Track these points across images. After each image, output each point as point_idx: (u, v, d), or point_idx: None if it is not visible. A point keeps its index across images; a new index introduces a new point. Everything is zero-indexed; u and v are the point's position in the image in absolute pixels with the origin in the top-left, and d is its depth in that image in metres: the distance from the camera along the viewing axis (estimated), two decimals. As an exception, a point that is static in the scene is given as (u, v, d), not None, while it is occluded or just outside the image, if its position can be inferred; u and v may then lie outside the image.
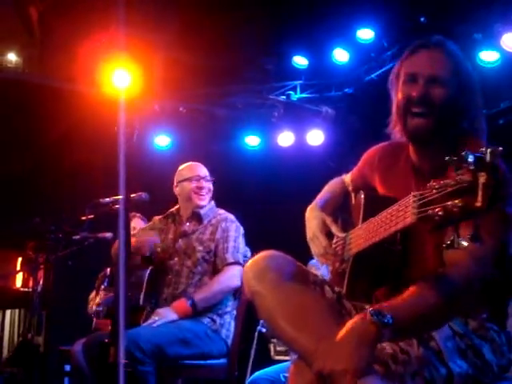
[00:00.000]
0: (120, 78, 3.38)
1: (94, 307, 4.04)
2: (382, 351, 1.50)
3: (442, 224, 1.25)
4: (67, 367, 4.31)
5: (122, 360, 1.69)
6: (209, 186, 3.45)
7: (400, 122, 1.77)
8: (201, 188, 3.40)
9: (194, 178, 3.42)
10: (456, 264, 1.52)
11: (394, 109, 1.81)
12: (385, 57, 4.91)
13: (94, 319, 4.35)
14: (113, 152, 1.98)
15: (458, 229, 1.27)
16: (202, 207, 3.41)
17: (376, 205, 1.70)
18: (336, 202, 2.06)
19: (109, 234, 3.73)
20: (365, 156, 2.03)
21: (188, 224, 3.43)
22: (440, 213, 1.23)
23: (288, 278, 1.67)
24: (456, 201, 1.19)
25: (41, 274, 3.93)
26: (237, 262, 3.22)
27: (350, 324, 1.45)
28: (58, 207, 5.09)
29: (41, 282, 3.90)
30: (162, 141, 6.03)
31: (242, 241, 3.32)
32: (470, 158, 1.16)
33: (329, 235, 1.93)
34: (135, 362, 2.79)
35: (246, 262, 3.24)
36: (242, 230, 3.38)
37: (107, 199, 3.43)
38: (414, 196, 1.35)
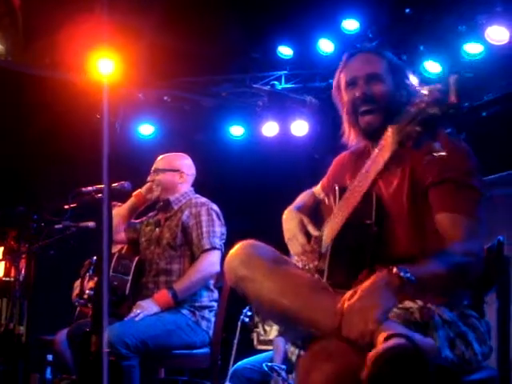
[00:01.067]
0: (103, 65, 3.34)
1: (87, 291, 4.02)
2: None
3: (422, 137, 1.42)
4: (49, 357, 4.31)
5: (105, 349, 1.69)
6: (154, 177, 3.45)
7: (353, 126, 1.91)
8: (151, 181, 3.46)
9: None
10: (452, 245, 1.63)
11: (344, 118, 1.95)
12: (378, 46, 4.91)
13: (78, 307, 4.33)
14: (95, 140, 1.97)
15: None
16: (152, 200, 3.45)
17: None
18: (309, 209, 2.10)
19: (91, 223, 3.71)
20: (334, 162, 2.13)
21: (160, 214, 3.47)
22: (417, 128, 1.41)
23: (275, 263, 1.68)
24: (429, 109, 1.40)
25: (23, 263, 3.90)
26: (214, 248, 3.22)
27: (376, 275, 1.51)
28: (39, 196, 5.05)
29: (23, 272, 3.87)
30: (146, 129, 5.99)
31: (217, 223, 3.30)
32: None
33: (307, 236, 1.95)
34: (120, 358, 2.80)
35: (222, 247, 3.29)
36: (215, 210, 3.35)
37: (89, 188, 3.41)
38: (391, 127, 1.51)
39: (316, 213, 2.07)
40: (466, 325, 1.70)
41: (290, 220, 2.00)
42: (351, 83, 1.90)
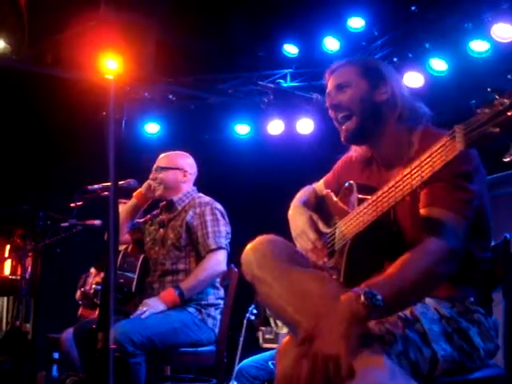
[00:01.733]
0: (109, 63, 3.35)
1: (94, 286, 4.02)
2: (369, 332, 1.52)
3: (497, 139, 1.35)
4: (55, 354, 4.32)
5: (111, 346, 1.69)
6: (155, 175, 3.42)
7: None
8: (153, 179, 3.43)
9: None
10: (430, 240, 1.60)
11: None
12: (375, 46, 4.90)
13: (81, 307, 4.35)
14: (101, 138, 1.97)
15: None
16: (156, 197, 3.44)
17: (368, 191, 1.75)
18: (313, 205, 2.09)
19: (97, 222, 3.72)
20: (341, 161, 2.13)
21: (163, 214, 3.45)
22: (495, 130, 1.33)
23: (291, 263, 1.67)
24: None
25: (29, 261, 3.92)
26: (220, 247, 3.21)
27: (343, 302, 1.49)
28: (45, 194, 5.07)
29: (29, 270, 3.88)
30: (152, 128, 6.00)
31: (221, 222, 3.29)
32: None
33: (317, 232, 1.93)
34: (127, 355, 2.80)
35: (228, 240, 3.28)
36: (219, 209, 3.33)
37: (96, 186, 3.42)
38: (459, 128, 1.41)
39: (319, 208, 2.06)
40: (469, 321, 1.70)
41: (298, 216, 1.99)
42: (327, 98, 1.95)
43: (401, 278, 1.53)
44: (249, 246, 1.76)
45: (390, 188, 1.63)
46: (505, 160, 1.38)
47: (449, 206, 1.63)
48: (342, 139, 1.93)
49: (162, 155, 3.51)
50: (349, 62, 1.97)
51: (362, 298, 1.46)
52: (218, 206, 3.35)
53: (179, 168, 3.44)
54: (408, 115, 1.86)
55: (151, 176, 3.43)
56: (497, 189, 4.14)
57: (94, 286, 3.98)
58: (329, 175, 2.16)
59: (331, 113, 1.93)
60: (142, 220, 3.56)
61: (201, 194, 3.46)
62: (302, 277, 1.63)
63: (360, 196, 1.80)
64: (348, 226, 1.78)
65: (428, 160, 1.52)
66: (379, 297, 1.46)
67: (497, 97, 1.35)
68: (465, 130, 1.39)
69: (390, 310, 1.53)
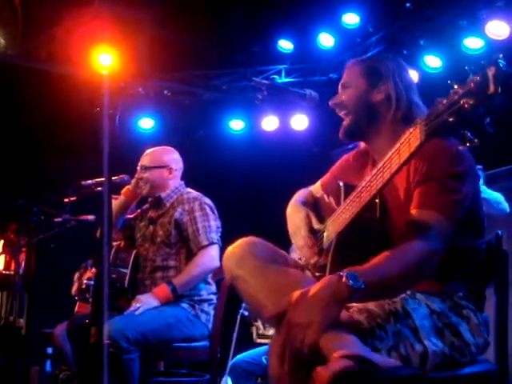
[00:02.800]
0: (103, 58, 3.34)
1: (85, 281, 4.03)
2: (359, 326, 1.53)
3: (454, 128, 1.39)
4: (49, 350, 4.32)
5: (105, 340, 1.70)
6: (141, 174, 3.38)
7: None
8: (139, 178, 3.38)
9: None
10: (414, 242, 1.62)
11: None
12: (370, 42, 4.91)
13: (77, 304, 4.35)
14: (95, 134, 1.97)
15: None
16: (143, 196, 3.41)
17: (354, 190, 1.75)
18: (310, 206, 2.10)
19: (91, 217, 3.72)
20: (338, 163, 2.15)
21: (151, 211, 3.42)
22: (450, 119, 1.37)
23: (269, 262, 1.70)
24: (465, 99, 1.35)
25: (23, 256, 3.92)
26: (212, 243, 3.21)
27: (324, 281, 1.51)
28: (39, 189, 5.06)
29: (23, 265, 3.88)
30: (146, 123, 5.99)
31: (211, 217, 3.27)
32: (470, 70, 1.38)
33: (310, 230, 1.95)
34: (121, 351, 2.80)
35: (219, 234, 3.28)
36: (208, 203, 3.31)
37: (89, 181, 3.41)
38: (420, 119, 1.46)
39: (316, 209, 2.07)
40: (459, 315, 1.71)
41: (295, 213, 2.01)
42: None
43: (383, 268, 1.56)
44: (229, 248, 1.79)
45: (367, 183, 1.67)
46: (460, 148, 1.43)
47: (437, 208, 1.64)
48: (340, 135, 1.97)
49: (145, 153, 3.46)
50: (356, 62, 2.01)
51: (344, 278, 1.48)
52: (207, 200, 3.33)
53: (164, 166, 3.39)
54: (404, 115, 1.87)
55: (136, 175, 3.37)
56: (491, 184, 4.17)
57: (85, 281, 3.99)
58: (326, 176, 2.17)
59: (337, 110, 1.99)
60: (132, 216, 3.55)
61: (189, 189, 3.43)
62: (279, 274, 1.66)
63: (346, 194, 1.82)
64: (334, 224, 1.81)
65: (396, 152, 1.56)
66: (361, 280, 1.49)
67: (455, 86, 1.39)
68: (425, 120, 1.43)
69: (369, 296, 1.55)
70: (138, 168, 3.41)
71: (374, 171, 1.64)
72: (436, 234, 1.62)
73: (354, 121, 1.92)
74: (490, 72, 1.32)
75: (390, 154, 1.58)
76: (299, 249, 1.93)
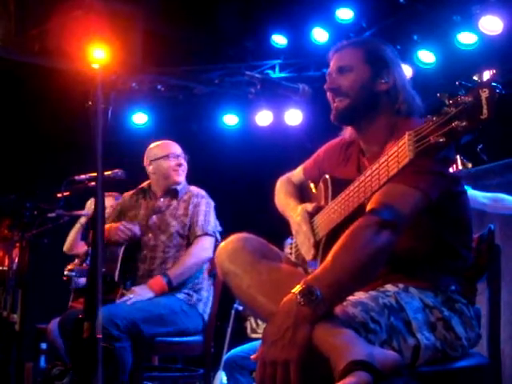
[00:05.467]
0: (96, 52, 3.33)
1: (66, 272, 4.01)
2: (353, 319, 1.52)
3: (442, 148, 1.33)
4: (43, 345, 4.31)
5: (99, 335, 1.70)
6: (185, 163, 3.48)
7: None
8: (180, 165, 3.43)
9: (172, 156, 3.43)
10: (362, 219, 1.57)
11: None
12: (363, 37, 4.91)
13: (70, 304, 4.34)
14: (88, 128, 1.96)
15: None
16: (179, 183, 3.43)
17: (342, 186, 1.73)
18: (296, 197, 2.09)
19: (84, 212, 3.71)
20: (323, 148, 2.11)
21: (162, 200, 3.42)
22: (441, 139, 1.31)
23: (261, 257, 1.69)
24: (458, 121, 1.28)
25: (16, 251, 3.90)
26: (206, 233, 3.25)
27: (284, 308, 1.47)
28: (32, 184, 5.04)
29: (16, 260, 3.87)
30: (139, 118, 5.98)
31: (212, 215, 3.36)
32: (462, 86, 1.31)
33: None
34: (111, 339, 2.79)
35: (217, 234, 3.30)
36: (212, 204, 3.40)
37: (82, 176, 3.41)
38: (409, 135, 1.38)
39: (301, 199, 2.06)
40: (452, 310, 1.71)
41: (291, 211, 1.96)
42: (327, 77, 1.94)
43: (335, 266, 1.51)
44: (221, 245, 1.78)
45: (355, 187, 1.61)
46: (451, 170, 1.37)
47: (404, 181, 1.57)
48: (332, 118, 1.92)
49: (168, 142, 3.52)
50: (354, 44, 1.94)
51: (299, 297, 1.45)
52: (211, 201, 3.42)
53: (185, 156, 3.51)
54: (406, 108, 1.85)
55: (178, 162, 3.42)
56: (483, 180, 4.18)
57: (66, 273, 3.97)
58: (308, 162, 2.15)
59: (329, 95, 1.92)
60: (117, 204, 3.56)
61: (191, 186, 3.50)
62: (271, 269, 1.65)
63: (334, 189, 1.81)
64: (323, 222, 1.79)
65: (385, 164, 1.49)
66: (317, 291, 1.45)
67: (446, 102, 1.32)
68: (415, 137, 1.36)
69: (336, 298, 1.51)
70: (179, 156, 3.44)
71: (362, 178, 1.58)
72: (394, 204, 1.56)
73: (352, 105, 1.86)
74: (484, 94, 1.26)
75: (379, 163, 1.51)
76: (300, 245, 1.91)
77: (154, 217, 3.37)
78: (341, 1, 4.78)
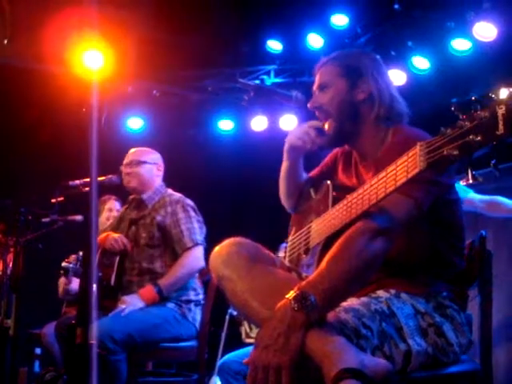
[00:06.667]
0: (92, 58, 3.33)
1: (63, 264, 4.00)
2: (345, 325, 1.53)
3: (454, 162, 1.32)
4: (38, 350, 4.31)
5: (93, 341, 1.70)
6: (133, 169, 3.40)
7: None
8: (127, 174, 3.41)
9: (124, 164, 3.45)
10: (357, 224, 1.58)
11: None
12: (358, 43, 4.92)
13: (64, 307, 4.34)
14: (82, 134, 1.97)
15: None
16: (133, 190, 3.41)
17: (343, 193, 1.74)
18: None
19: (79, 217, 3.71)
20: (328, 157, 2.13)
21: (136, 211, 3.43)
22: (455, 152, 1.30)
23: (256, 262, 1.70)
24: (473, 136, 1.28)
25: (10, 256, 3.90)
26: (196, 244, 3.23)
27: (278, 313, 1.48)
28: (27, 189, 5.03)
29: (10, 265, 3.86)
30: (135, 123, 5.98)
31: (195, 219, 3.30)
32: (477, 102, 1.30)
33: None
34: (108, 353, 2.80)
35: (203, 234, 3.28)
36: (190, 205, 3.33)
37: (77, 181, 3.41)
38: (421, 145, 1.39)
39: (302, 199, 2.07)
40: (443, 315, 1.72)
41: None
42: (313, 95, 1.97)
43: (330, 273, 1.51)
44: (216, 249, 1.78)
45: (359, 195, 1.62)
46: (462, 184, 1.37)
47: (400, 190, 1.55)
48: (326, 144, 1.95)
49: (132, 150, 3.51)
50: (332, 60, 1.96)
51: (293, 302, 1.46)
52: (189, 201, 3.36)
53: (153, 162, 3.45)
54: (386, 114, 1.86)
55: (125, 170, 3.40)
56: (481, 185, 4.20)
57: (63, 264, 3.96)
58: (315, 170, 2.17)
59: (316, 113, 1.95)
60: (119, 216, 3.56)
61: (170, 191, 3.46)
62: (266, 274, 1.66)
63: (335, 195, 1.81)
64: (321, 227, 1.79)
65: (393, 173, 1.49)
66: (311, 297, 1.46)
67: (461, 117, 1.32)
68: (427, 148, 1.37)
69: (330, 304, 1.51)
70: (126, 163, 3.42)
71: (367, 185, 1.59)
72: (387, 212, 1.57)
73: (338, 126, 1.89)
74: (501, 111, 1.26)
75: (386, 172, 1.51)
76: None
77: (133, 228, 3.38)
78: (336, 7, 4.80)
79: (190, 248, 3.21)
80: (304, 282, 1.52)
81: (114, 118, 5.67)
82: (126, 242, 3.28)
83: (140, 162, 3.41)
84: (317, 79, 1.96)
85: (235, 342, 4.61)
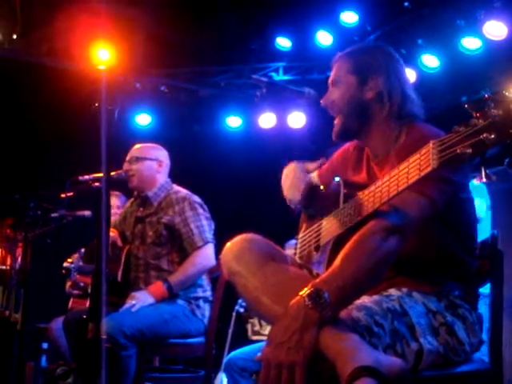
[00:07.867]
0: (101, 54, 3.34)
1: (65, 264, 4.01)
2: (357, 323, 1.52)
3: (468, 160, 1.31)
4: (45, 345, 4.31)
5: (102, 336, 1.70)
6: (133, 166, 3.36)
7: None
8: (127, 171, 3.37)
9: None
10: (372, 222, 1.57)
11: None
12: (368, 41, 4.91)
13: (71, 299, 4.35)
14: (93, 129, 1.97)
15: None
16: (135, 189, 3.39)
17: (354, 190, 1.73)
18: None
19: (87, 213, 3.72)
20: (337, 153, 2.12)
21: (142, 209, 3.40)
22: (468, 150, 1.29)
23: (268, 259, 1.69)
24: (487, 134, 1.26)
25: (19, 251, 3.91)
26: (206, 243, 3.21)
27: (292, 311, 1.47)
28: (36, 184, 5.05)
29: (19, 260, 3.88)
30: (143, 119, 5.99)
31: (203, 216, 3.27)
32: (490, 100, 1.28)
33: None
34: (118, 348, 2.81)
35: (212, 231, 3.27)
36: (197, 202, 3.30)
37: (86, 176, 3.40)
38: (433, 143, 1.37)
39: (312, 198, 2.06)
40: (455, 315, 1.72)
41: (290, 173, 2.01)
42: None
43: (343, 270, 1.51)
44: (228, 245, 1.78)
45: (370, 192, 1.60)
46: (476, 183, 1.36)
47: (417, 189, 1.57)
48: (333, 137, 1.94)
49: (135, 146, 3.46)
50: (345, 55, 1.95)
51: (307, 300, 1.46)
52: (196, 198, 3.33)
53: (154, 158, 3.39)
54: (398, 111, 1.85)
55: (125, 168, 3.36)
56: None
57: (65, 265, 3.96)
58: (325, 167, 2.14)
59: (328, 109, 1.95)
60: (123, 211, 3.56)
61: (175, 187, 3.41)
62: (278, 271, 1.65)
63: (346, 192, 1.79)
64: (332, 225, 1.78)
65: (405, 171, 1.48)
66: (325, 294, 1.45)
67: (474, 114, 1.30)
68: (440, 146, 1.35)
69: (344, 302, 1.51)
70: (127, 161, 3.39)
71: (379, 183, 1.57)
72: (401, 211, 1.57)
73: (345, 121, 1.88)
74: None
75: (399, 169, 1.50)
76: (287, 189, 1.95)
77: (139, 225, 3.36)
78: (345, 4, 4.79)
79: (200, 247, 3.20)
80: (318, 280, 1.52)
81: (123, 114, 5.67)
82: (114, 237, 3.27)
83: (139, 159, 3.36)
84: (331, 74, 1.96)
85: (242, 339, 4.62)
